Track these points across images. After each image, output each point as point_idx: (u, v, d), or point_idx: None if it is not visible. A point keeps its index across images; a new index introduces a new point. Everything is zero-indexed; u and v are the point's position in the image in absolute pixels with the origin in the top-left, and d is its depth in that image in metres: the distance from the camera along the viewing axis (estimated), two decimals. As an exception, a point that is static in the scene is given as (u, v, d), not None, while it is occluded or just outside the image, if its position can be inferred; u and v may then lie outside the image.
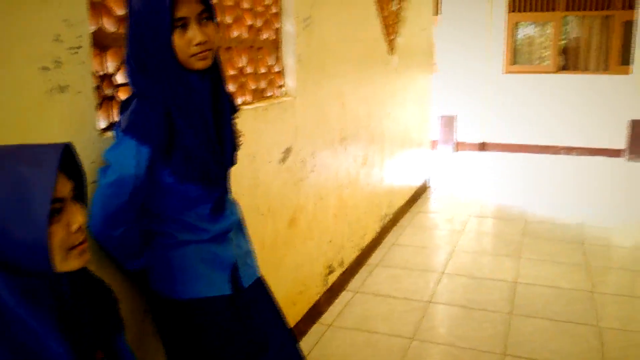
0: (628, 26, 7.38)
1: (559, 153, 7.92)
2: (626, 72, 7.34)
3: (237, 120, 1.63)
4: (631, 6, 7.18)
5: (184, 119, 1.41)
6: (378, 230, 4.24)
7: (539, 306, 3.31)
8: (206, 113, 1.47)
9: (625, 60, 7.48)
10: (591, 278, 3.67)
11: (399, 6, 4.48)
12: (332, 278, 3.39)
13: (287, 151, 2.71)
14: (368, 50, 3.85)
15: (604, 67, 7.83)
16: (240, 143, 1.65)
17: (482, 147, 8.25)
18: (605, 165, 7.12)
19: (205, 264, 1.56)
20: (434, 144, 7.77)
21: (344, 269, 3.57)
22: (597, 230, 4.61)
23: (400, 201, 4.90)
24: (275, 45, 2.71)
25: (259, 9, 2.56)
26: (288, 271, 2.81)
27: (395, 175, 4.67)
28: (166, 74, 1.39)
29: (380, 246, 4.26)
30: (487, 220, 5.01)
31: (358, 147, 3.72)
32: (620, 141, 7.50)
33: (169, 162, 1.43)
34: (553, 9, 7.78)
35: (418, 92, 5.31)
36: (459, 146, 8.24)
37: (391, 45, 4.36)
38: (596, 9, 7.67)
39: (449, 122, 7.87)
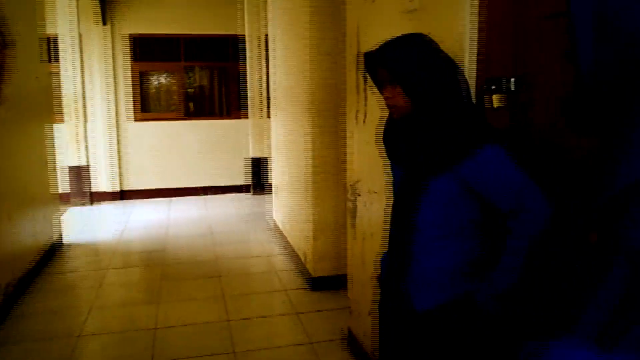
0: (242, 76, 8.30)
1: (197, 194, 8.35)
2: (244, 117, 8.21)
3: None
4: (241, 59, 8.08)
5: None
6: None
7: (180, 347, 3.35)
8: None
9: (242, 106, 8.38)
10: (227, 307, 3.91)
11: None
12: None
13: None
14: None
15: (226, 112, 8.61)
16: None
17: (122, 195, 8.12)
18: (235, 202, 7.78)
19: None
20: (65, 197, 7.31)
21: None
22: (231, 262, 4.97)
23: (26, 266, 4.42)
24: None
25: None
26: None
27: (16, 237, 4.19)
28: None
29: (5, 321, 3.74)
30: (126, 271, 4.90)
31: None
32: (245, 178, 8.34)
33: None
34: (175, 59, 8.23)
35: (33, 144, 4.90)
36: (97, 197, 7.93)
37: (-5, 95, 3.93)
38: (212, 61, 8.41)
39: (79, 173, 7.51)
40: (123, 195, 8.14)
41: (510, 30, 1.67)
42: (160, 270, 4.77)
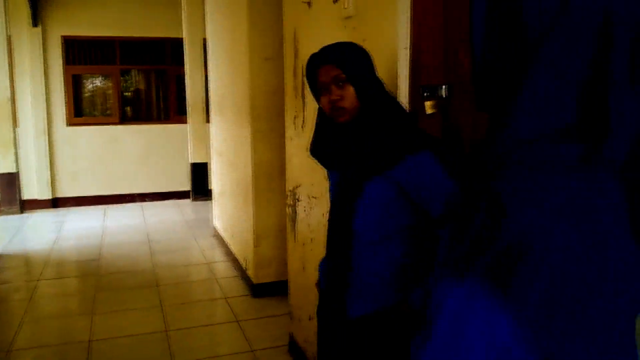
0: (180, 80, 8.15)
1: (135, 201, 8.14)
2: (184, 121, 8.07)
3: None
4: (180, 62, 7.93)
5: None
6: None
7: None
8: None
9: (181, 110, 8.22)
10: (166, 317, 3.82)
11: None
12: None
13: None
14: None
15: (165, 117, 8.45)
16: None
17: (55, 203, 7.82)
18: (175, 208, 7.63)
19: None
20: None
21: None
22: (170, 270, 4.86)
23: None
24: None
25: None
26: None
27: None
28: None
29: None
30: (60, 281, 4.71)
31: None
32: (186, 183, 8.19)
33: None
34: (111, 63, 8.00)
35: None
36: (28, 205, 7.61)
37: None
38: (150, 64, 8.24)
39: (9, 180, 7.18)
40: (56, 203, 7.85)
41: (442, 37, 1.71)
42: (96, 281, 4.61)
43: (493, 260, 0.73)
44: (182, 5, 7.41)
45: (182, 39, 7.67)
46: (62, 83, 7.80)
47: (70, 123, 7.89)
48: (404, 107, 1.68)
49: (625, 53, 0.71)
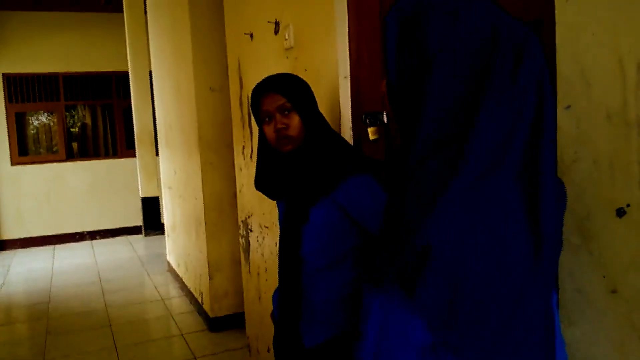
0: (127, 113, 8.03)
1: (85, 239, 7.92)
2: (133, 155, 7.93)
3: None
4: (127, 95, 7.82)
5: None
6: None
7: (67, 407, 3.12)
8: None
9: (130, 144, 8.08)
10: (120, 358, 3.70)
11: None
12: None
13: None
14: None
15: (114, 151, 8.29)
16: None
17: (1, 246, 7.53)
18: (126, 245, 7.45)
19: None
20: None
21: None
22: (123, 309, 4.72)
23: None
24: None
25: None
26: None
27: None
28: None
29: None
30: (7, 328, 4.51)
31: None
32: (137, 218, 8.00)
33: None
34: (55, 99, 7.83)
35: None
36: (-28, 250, 7.30)
37: None
38: (96, 99, 8.10)
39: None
40: (1, 245, 7.56)
41: (380, 65, 1.75)
42: (46, 325, 4.43)
43: (403, 268, 0.77)
44: (126, 38, 7.34)
45: (127, 72, 7.58)
46: (5, 122, 7.59)
47: (14, 162, 7.65)
48: (344, 138, 1.72)
49: (507, 65, 0.77)
